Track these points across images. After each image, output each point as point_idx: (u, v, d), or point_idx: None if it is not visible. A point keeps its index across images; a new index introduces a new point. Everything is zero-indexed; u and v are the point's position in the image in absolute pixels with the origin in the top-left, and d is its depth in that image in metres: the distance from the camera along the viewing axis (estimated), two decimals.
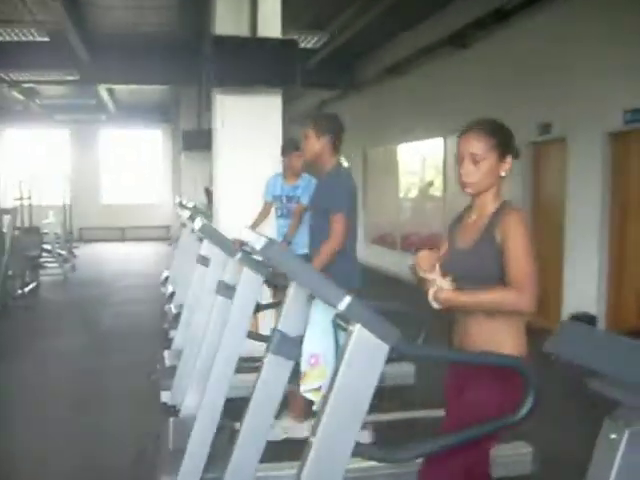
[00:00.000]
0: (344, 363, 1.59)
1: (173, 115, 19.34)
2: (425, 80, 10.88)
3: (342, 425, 1.59)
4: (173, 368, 4.30)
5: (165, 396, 4.19)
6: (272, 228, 5.76)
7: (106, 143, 21.45)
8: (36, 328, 8.22)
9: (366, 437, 3.94)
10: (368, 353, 1.58)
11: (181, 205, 8.43)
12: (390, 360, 1.71)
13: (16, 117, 18.38)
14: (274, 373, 2.22)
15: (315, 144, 4.09)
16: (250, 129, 6.27)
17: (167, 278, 8.14)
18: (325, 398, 1.62)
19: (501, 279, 2.27)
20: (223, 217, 6.44)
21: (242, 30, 6.13)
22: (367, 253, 13.03)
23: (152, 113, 20.07)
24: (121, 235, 20.43)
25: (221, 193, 6.55)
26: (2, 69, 11.20)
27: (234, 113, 6.26)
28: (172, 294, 6.66)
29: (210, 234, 3.70)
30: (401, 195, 13.24)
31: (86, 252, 16.51)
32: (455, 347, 2.45)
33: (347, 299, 1.55)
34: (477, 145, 2.36)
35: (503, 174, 2.41)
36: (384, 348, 1.57)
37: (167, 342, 5.44)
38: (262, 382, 2.24)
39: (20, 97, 14.93)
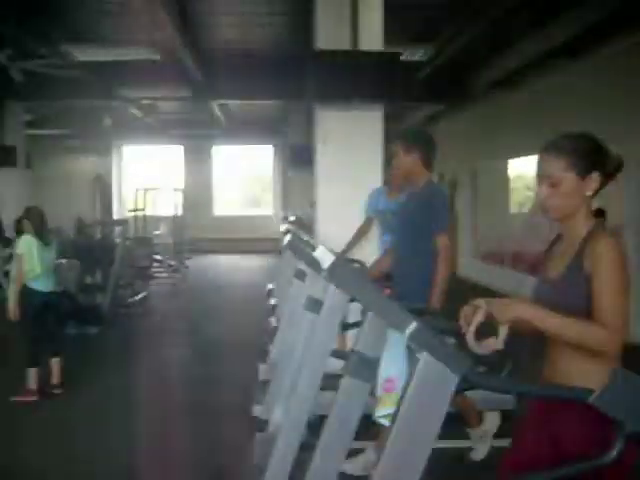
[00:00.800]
0: (410, 393, 1.49)
1: (283, 130, 19.67)
2: (536, 93, 10.51)
3: (406, 460, 1.49)
4: (267, 382, 4.30)
5: (257, 410, 4.19)
6: (374, 243, 5.68)
7: (219, 157, 22.07)
8: (142, 337, 8.50)
9: None
10: (435, 383, 1.47)
11: (285, 219, 8.52)
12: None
13: (134, 133, 19.19)
14: (350, 396, 2.13)
15: (405, 160, 4.01)
16: (351, 144, 6.20)
17: (271, 291, 8.19)
18: (389, 430, 1.53)
19: (589, 314, 2.03)
20: (323, 232, 6.42)
21: (344, 44, 6.08)
22: (476, 270, 12.72)
23: (263, 128, 20.44)
24: (232, 247, 20.83)
25: (321, 207, 6.54)
26: (120, 87, 11.73)
27: (335, 128, 6.21)
28: (274, 307, 6.69)
29: (297, 249, 3.67)
30: (512, 211, 12.84)
31: (198, 263, 16.97)
32: (543, 379, 2.20)
33: (413, 325, 1.46)
34: (554, 165, 2.16)
35: (589, 193, 2.16)
36: (453, 378, 1.46)
37: (264, 355, 5.47)
38: (338, 405, 2.16)
39: (138, 113, 15.56)
